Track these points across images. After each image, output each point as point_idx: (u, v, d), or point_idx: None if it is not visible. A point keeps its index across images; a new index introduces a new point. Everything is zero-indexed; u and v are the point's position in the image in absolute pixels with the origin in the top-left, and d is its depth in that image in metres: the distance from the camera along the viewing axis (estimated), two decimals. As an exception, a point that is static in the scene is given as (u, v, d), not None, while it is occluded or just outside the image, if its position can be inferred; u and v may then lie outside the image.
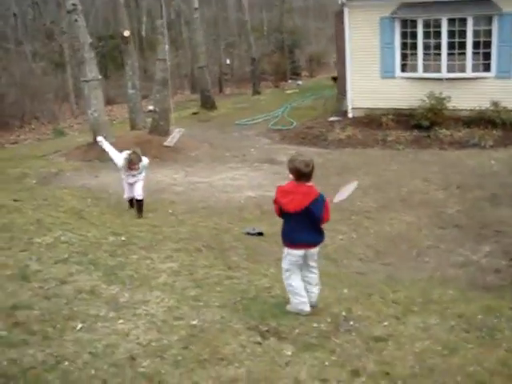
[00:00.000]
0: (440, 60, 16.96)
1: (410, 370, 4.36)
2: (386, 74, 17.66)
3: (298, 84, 30.46)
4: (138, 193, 10.25)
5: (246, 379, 4.03)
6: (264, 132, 18.57)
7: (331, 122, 18.26)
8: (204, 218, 10.38)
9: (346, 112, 18.59)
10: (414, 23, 16.99)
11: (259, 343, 4.58)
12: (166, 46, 15.73)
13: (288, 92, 27.39)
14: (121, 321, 5.06)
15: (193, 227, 9.58)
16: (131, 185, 10.30)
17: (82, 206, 10.62)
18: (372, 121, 17.32)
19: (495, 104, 16.17)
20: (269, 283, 6.22)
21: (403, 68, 17.58)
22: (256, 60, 28.00)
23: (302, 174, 5.37)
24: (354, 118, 18.07)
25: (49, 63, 30.08)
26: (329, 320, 5.16)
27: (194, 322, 5.01)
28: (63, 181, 13.15)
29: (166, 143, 15.47)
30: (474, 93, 16.63)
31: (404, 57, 17.46)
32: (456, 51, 16.75)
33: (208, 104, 23.71)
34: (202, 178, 13.49)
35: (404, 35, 17.25)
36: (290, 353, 4.48)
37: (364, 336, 4.89)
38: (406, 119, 16.88)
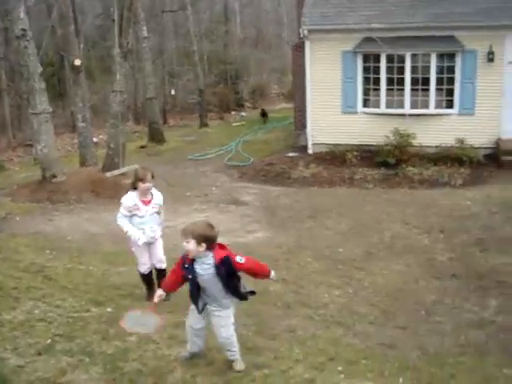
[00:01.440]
0: (403, 96, 16.58)
1: None
2: (348, 109, 17.19)
3: (242, 116, 29.82)
4: (159, 257, 7.54)
5: None
6: (221, 168, 17.69)
7: (291, 157, 17.56)
8: (181, 273, 9.31)
9: (304, 147, 17.94)
10: (376, 58, 16.57)
11: None
12: (123, 77, 14.64)
13: (234, 124, 26.65)
14: None
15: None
16: (148, 246, 7.39)
17: (42, 259, 9.40)
18: (335, 157, 16.77)
19: (460, 141, 15.92)
20: (306, 372, 5.28)
21: (365, 103, 17.14)
22: (203, 91, 27.13)
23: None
24: (314, 153, 17.47)
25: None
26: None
27: None
28: (13, 226, 11.81)
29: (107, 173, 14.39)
30: (438, 130, 16.42)
31: (366, 92, 17.00)
32: (419, 87, 16.46)
33: (157, 137, 22.65)
34: (168, 222, 12.39)
35: (366, 70, 16.80)
36: None
37: None
38: (370, 156, 16.45)
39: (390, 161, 15.84)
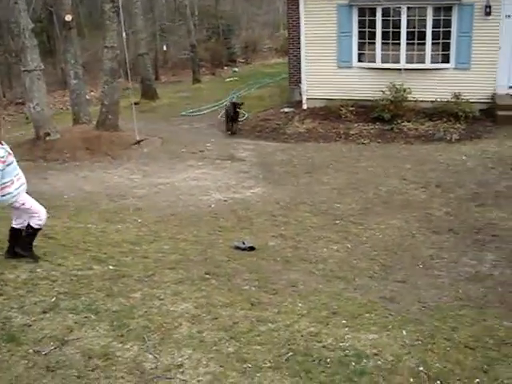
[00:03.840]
0: (399, 50, 16.39)
1: None
2: (343, 63, 16.99)
3: (235, 71, 29.45)
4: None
5: None
6: (215, 124, 17.57)
7: (286, 113, 17.43)
8: (179, 229, 9.41)
9: (299, 102, 17.79)
10: (372, 11, 16.32)
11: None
12: (115, 33, 14.37)
13: (227, 80, 26.34)
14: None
15: (173, 242, 8.58)
16: None
17: (41, 218, 9.31)
18: (330, 113, 16.63)
19: (456, 96, 15.79)
20: (312, 326, 5.33)
21: (361, 58, 16.93)
22: (195, 46, 26.70)
23: None
24: (309, 109, 17.31)
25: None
26: (411, 379, 4.31)
27: (255, 398, 4.03)
28: (9, 186, 11.70)
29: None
30: (434, 84, 16.26)
31: (362, 46, 16.80)
32: (415, 41, 16.25)
33: (149, 94, 22.38)
34: (163, 179, 12.44)
35: (362, 24, 16.56)
36: None
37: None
38: (366, 111, 16.34)
39: (385, 116, 15.73)
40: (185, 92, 23.79)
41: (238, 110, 16.43)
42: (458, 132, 14.99)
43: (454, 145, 14.42)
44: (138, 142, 14.73)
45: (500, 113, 15.43)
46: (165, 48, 29.60)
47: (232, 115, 16.37)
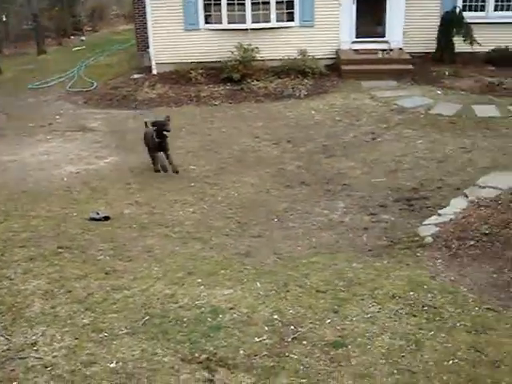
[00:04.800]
0: (244, 10, 16.50)
1: (392, 379, 3.86)
2: (190, 26, 16.84)
3: (82, 40, 28.32)
4: None
5: None
6: (64, 95, 16.84)
7: (136, 79, 17.09)
8: (31, 206, 9.06)
9: (149, 68, 17.49)
10: (215, -29, 16.27)
11: (210, 380, 3.73)
12: None
13: (75, 49, 25.30)
14: (14, 384, 3.87)
15: (25, 220, 8.23)
16: None
17: None
18: (180, 76, 16.50)
19: (303, 53, 16.19)
20: (167, 288, 5.34)
21: (207, 19, 16.87)
22: (37, 16, 25.30)
23: None
24: (159, 74, 17.07)
25: None
26: (266, 328, 4.45)
27: (113, 366, 3.99)
28: None
29: None
30: (281, 43, 16.57)
31: (207, 8, 16.72)
32: (260, 0, 16.43)
33: (-9, 68, 21.00)
34: (11, 156, 11.87)
35: (206, -15, 16.47)
36: (253, 387, 3.71)
37: (318, 343, 4.31)
38: (216, 73, 16.35)
39: (235, 76, 15.83)
40: (30, 64, 22.58)
41: (164, 131, 10.36)
42: (306, 88, 15.41)
43: (303, 100, 14.80)
44: None
45: (344, 67, 16.03)
46: (4, 18, 27.86)
47: (157, 142, 10.39)
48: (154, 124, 10.51)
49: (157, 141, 10.37)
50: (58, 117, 14.68)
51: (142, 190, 9.65)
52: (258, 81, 15.87)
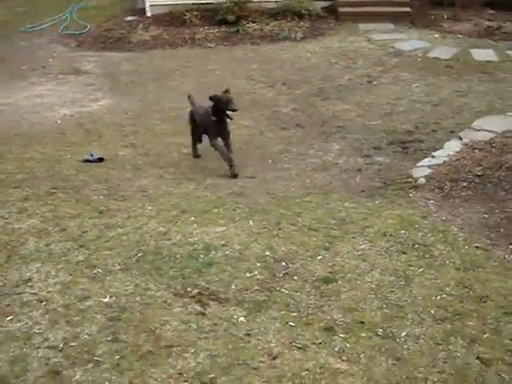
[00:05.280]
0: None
1: (381, 313, 3.93)
2: (185, -34, 16.42)
3: (74, -20, 27.70)
4: None
5: (213, 368, 3.27)
6: (57, 38, 16.59)
7: (130, 22, 16.82)
8: (25, 148, 9.04)
9: (143, 10, 17.18)
10: None
11: (202, 313, 3.81)
12: None
13: (66, -11, 24.80)
14: (10, 318, 3.92)
15: (19, 162, 8.26)
16: None
17: None
18: (175, 18, 16.23)
19: (299, -6, 15.89)
20: (161, 226, 5.39)
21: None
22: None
23: None
24: (153, 16, 16.77)
25: None
26: (258, 264, 4.51)
27: (107, 300, 4.06)
28: None
29: None
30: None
31: None
32: None
33: (-19, 10, 20.60)
34: (4, 99, 11.80)
35: None
36: (243, 319, 3.79)
37: (308, 278, 4.39)
38: (211, 15, 16.06)
39: (230, 18, 15.58)
40: (22, 7, 22.10)
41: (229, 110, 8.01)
42: (302, 30, 15.19)
43: (299, 43, 14.61)
44: None
45: (341, 9, 15.77)
46: (-7, -42, 27.23)
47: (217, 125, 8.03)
48: (213, 99, 8.02)
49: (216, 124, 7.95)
50: (50, 60, 14.50)
51: (136, 132, 9.62)
52: (253, 23, 15.63)
